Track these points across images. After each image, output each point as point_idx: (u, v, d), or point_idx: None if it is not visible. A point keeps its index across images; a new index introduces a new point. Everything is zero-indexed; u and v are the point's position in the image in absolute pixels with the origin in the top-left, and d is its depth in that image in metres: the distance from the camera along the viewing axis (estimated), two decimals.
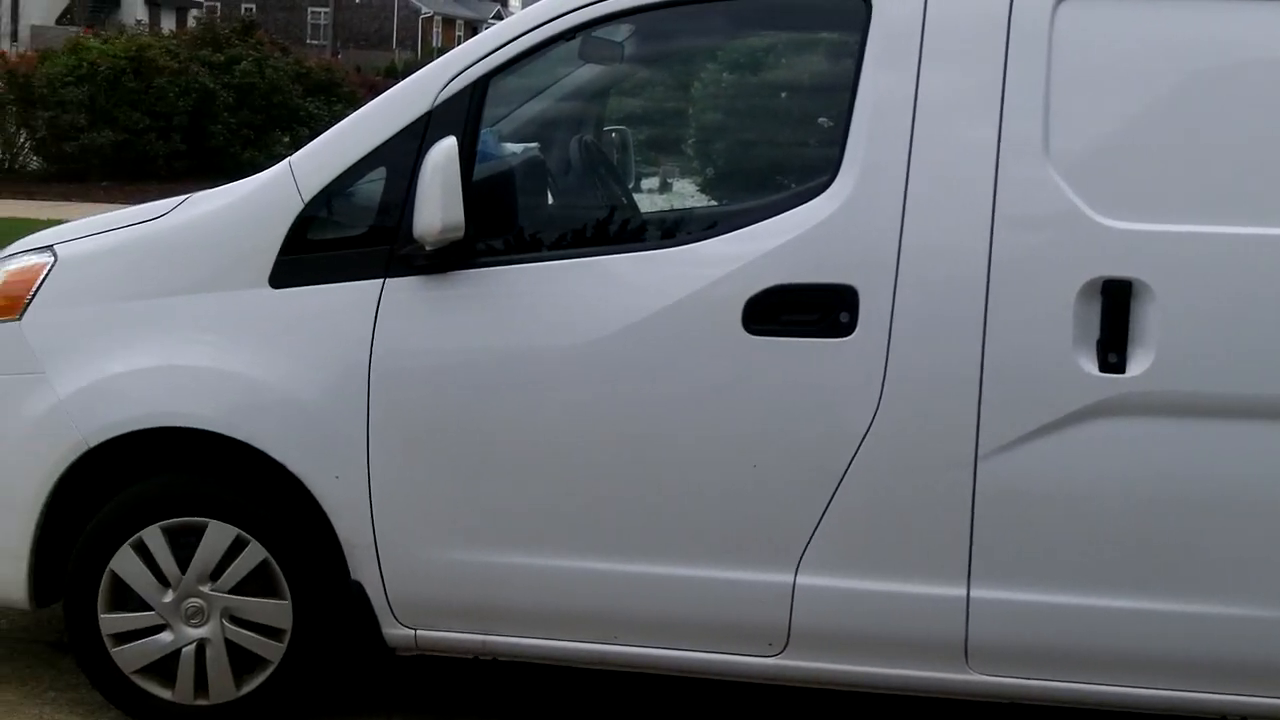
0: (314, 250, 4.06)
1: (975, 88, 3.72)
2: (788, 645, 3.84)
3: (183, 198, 4.38)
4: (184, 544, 4.12)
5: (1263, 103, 3.66)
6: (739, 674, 3.97)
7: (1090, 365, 3.62)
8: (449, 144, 3.78)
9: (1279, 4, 3.68)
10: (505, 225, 3.99)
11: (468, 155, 3.89)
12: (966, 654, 3.77)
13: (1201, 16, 3.70)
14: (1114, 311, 3.61)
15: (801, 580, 3.80)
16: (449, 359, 3.94)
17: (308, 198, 4.01)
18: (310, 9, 70.90)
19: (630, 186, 5.06)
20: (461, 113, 3.94)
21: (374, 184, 4.05)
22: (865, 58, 3.79)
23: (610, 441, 3.87)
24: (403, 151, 3.95)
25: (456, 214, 3.77)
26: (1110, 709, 3.87)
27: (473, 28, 68.99)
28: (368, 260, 3.98)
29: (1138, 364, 3.61)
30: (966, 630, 3.75)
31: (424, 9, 72.04)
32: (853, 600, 3.79)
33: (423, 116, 3.96)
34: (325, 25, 71.01)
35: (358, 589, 4.03)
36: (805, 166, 4.18)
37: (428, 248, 3.85)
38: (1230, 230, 3.61)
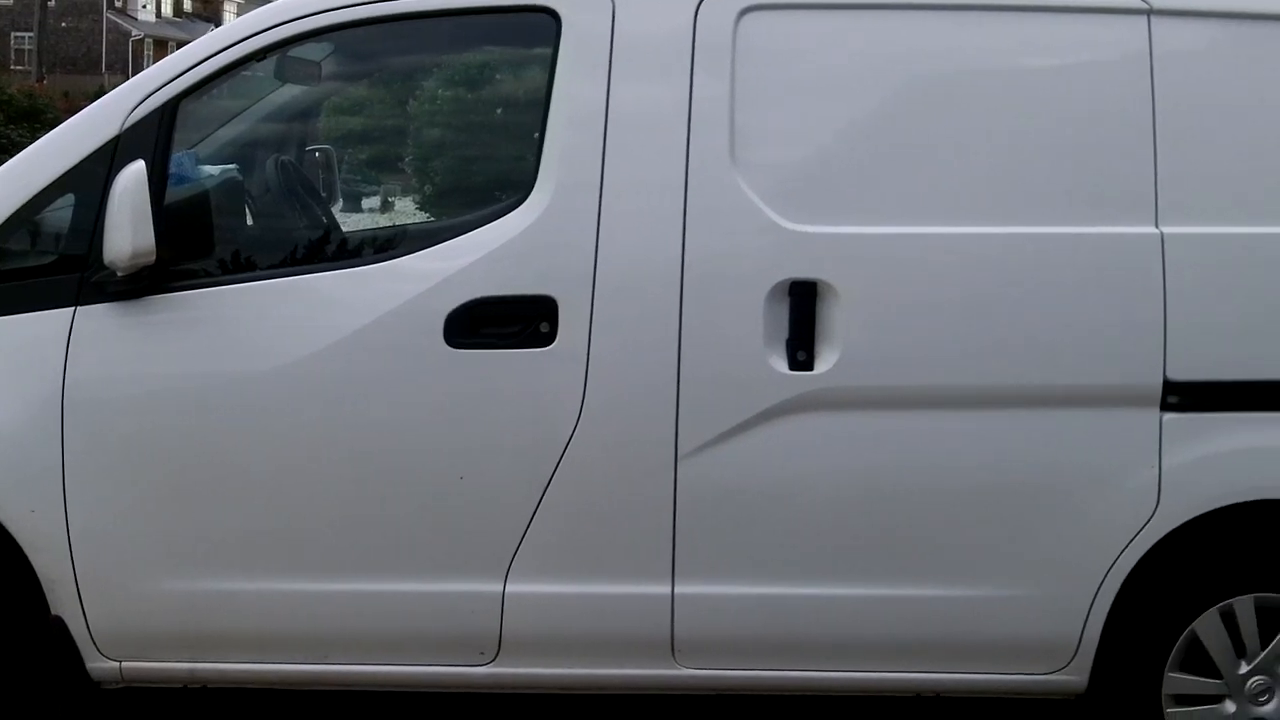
0: (3, 280, 3.94)
1: (664, 99, 3.83)
2: (499, 653, 3.89)
3: None
4: None
5: (938, 109, 3.87)
6: (452, 684, 4.01)
7: (781, 364, 3.77)
8: (138, 167, 3.72)
9: (955, 13, 3.90)
10: (201, 248, 3.94)
11: (159, 178, 3.83)
12: (673, 649, 3.87)
13: (880, 26, 3.89)
14: (801, 311, 3.77)
15: (511, 588, 3.85)
16: (147, 386, 3.87)
17: None
18: (13, 34, 68.04)
19: (333, 206, 5.05)
20: (151, 135, 3.88)
21: (63, 211, 3.95)
22: (557, 71, 3.87)
23: (316, 461, 3.85)
24: (91, 176, 3.87)
25: (147, 238, 3.71)
26: (815, 693, 4.03)
27: None
28: (58, 289, 3.88)
29: (825, 361, 3.77)
30: (672, 626, 3.85)
31: (134, 31, 69.88)
32: (561, 604, 3.87)
33: (111, 140, 3.88)
34: (30, 50, 68.25)
35: (58, 624, 3.92)
36: (503, 181, 4.25)
37: (119, 273, 3.77)
38: (907, 230, 3.81)
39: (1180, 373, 3.79)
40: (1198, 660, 3.93)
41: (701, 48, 3.83)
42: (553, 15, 3.87)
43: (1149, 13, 3.88)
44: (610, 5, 3.86)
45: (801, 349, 3.77)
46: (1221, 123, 3.88)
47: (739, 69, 3.82)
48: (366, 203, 5.97)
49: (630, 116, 3.83)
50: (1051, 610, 3.86)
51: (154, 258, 3.75)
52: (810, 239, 3.78)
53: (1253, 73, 3.91)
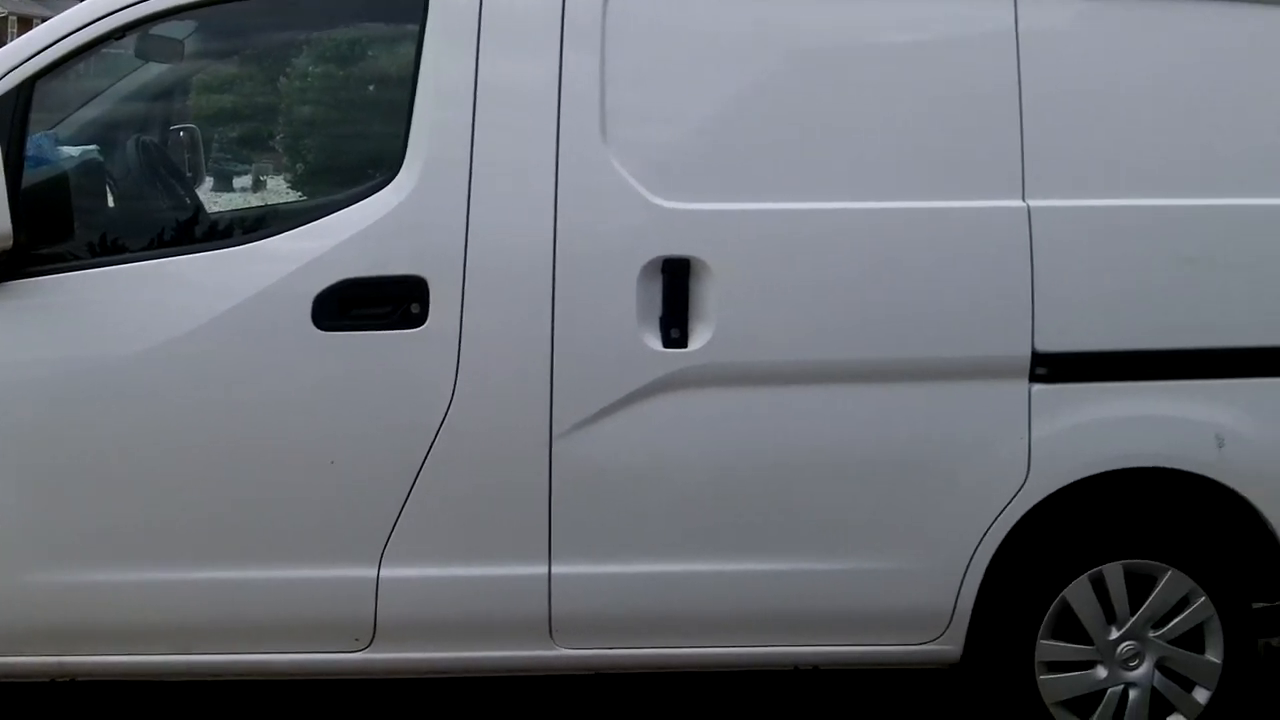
0: None
1: (534, 76, 3.78)
2: (375, 638, 3.84)
3: None
4: None
5: (807, 86, 3.87)
6: (326, 672, 3.95)
7: (655, 342, 3.76)
8: None
9: None
10: (61, 232, 3.82)
11: (15, 161, 3.71)
12: (551, 630, 3.86)
13: (750, 3, 3.88)
14: (674, 289, 3.76)
15: (385, 573, 3.80)
16: (9, 374, 3.75)
17: None
18: None
19: (199, 186, 4.94)
20: (7, 117, 3.75)
21: None
22: (424, 48, 3.81)
23: (181, 448, 3.77)
24: None
25: (3, 222, 3.60)
26: (694, 670, 4.04)
27: None
28: None
29: (698, 338, 3.76)
30: (550, 607, 3.83)
31: None
32: (437, 588, 3.83)
33: None
34: None
35: None
36: (372, 159, 4.17)
37: None
38: (778, 206, 3.81)
39: (1048, 344, 3.84)
40: (1069, 627, 4.00)
41: (571, 24, 3.79)
42: None
43: None
44: None
45: (675, 326, 3.76)
46: (1086, 97, 3.92)
47: (609, 46, 3.79)
48: (238, 182, 5.86)
49: (500, 93, 3.78)
50: (925, 581, 3.90)
51: (11, 243, 3.64)
52: (682, 216, 3.77)
53: (1116, 48, 3.96)
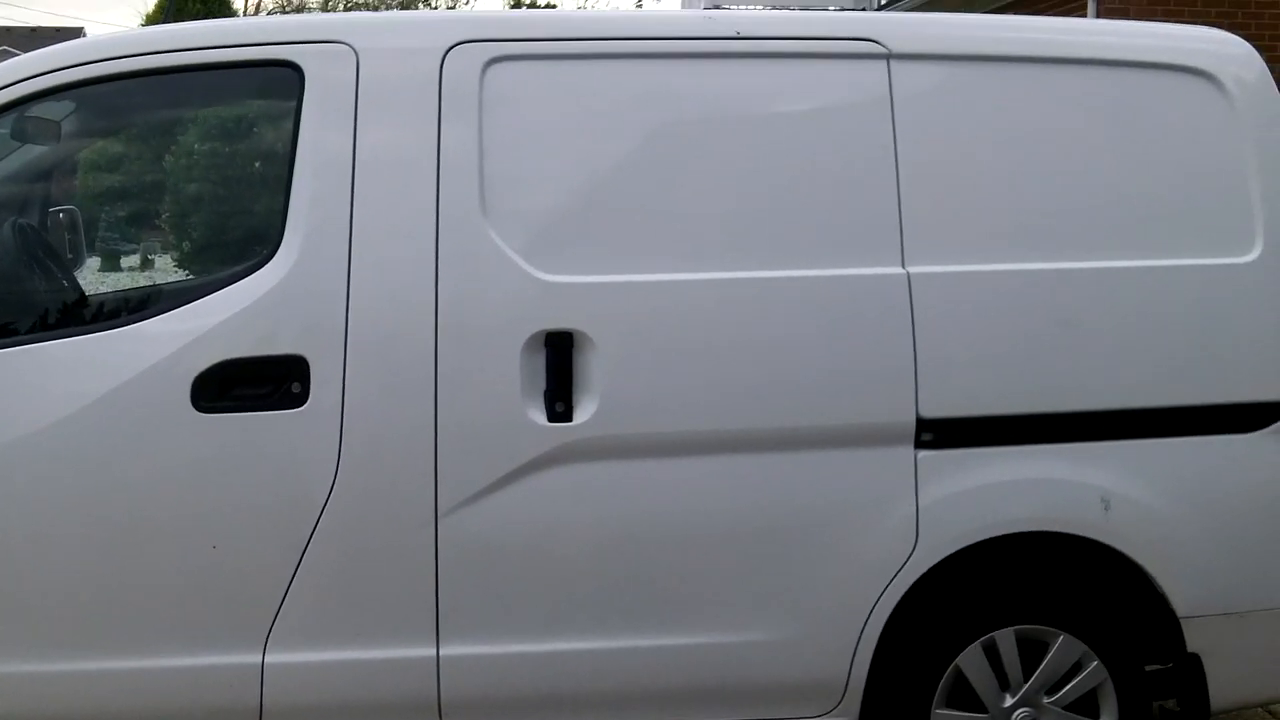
0: None
1: (412, 150, 3.77)
2: None
3: None
4: None
5: (685, 156, 3.89)
6: None
7: (539, 416, 3.73)
8: None
9: (698, 60, 3.93)
10: None
11: None
12: (441, 712, 3.79)
13: (625, 75, 3.90)
14: (558, 362, 3.74)
15: (270, 658, 3.72)
16: None
17: None
18: None
19: (79, 268, 4.86)
20: None
21: None
22: (302, 124, 3.78)
23: (61, 533, 3.68)
24: None
25: None
26: None
27: None
28: None
29: (584, 411, 3.74)
30: (439, 688, 3.76)
31: None
32: (324, 672, 3.74)
33: None
34: None
35: None
36: (253, 237, 4.13)
37: None
38: (659, 278, 3.80)
39: (932, 410, 3.85)
40: (963, 694, 3.98)
41: (449, 97, 3.79)
42: (295, 68, 3.80)
43: (888, 57, 3.96)
44: (354, 55, 3.80)
45: (560, 400, 3.74)
46: (962, 162, 3.97)
47: (487, 118, 3.79)
48: (126, 261, 5.78)
49: (378, 169, 3.76)
50: (818, 652, 3.88)
51: None
52: (563, 289, 3.75)
53: (990, 112, 4.01)
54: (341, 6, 36.04)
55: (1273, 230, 4.08)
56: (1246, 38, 4.34)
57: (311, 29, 3.90)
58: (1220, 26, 4.66)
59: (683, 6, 4.91)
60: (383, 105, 3.79)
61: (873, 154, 3.91)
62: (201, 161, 4.50)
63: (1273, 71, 4.30)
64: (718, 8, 4.28)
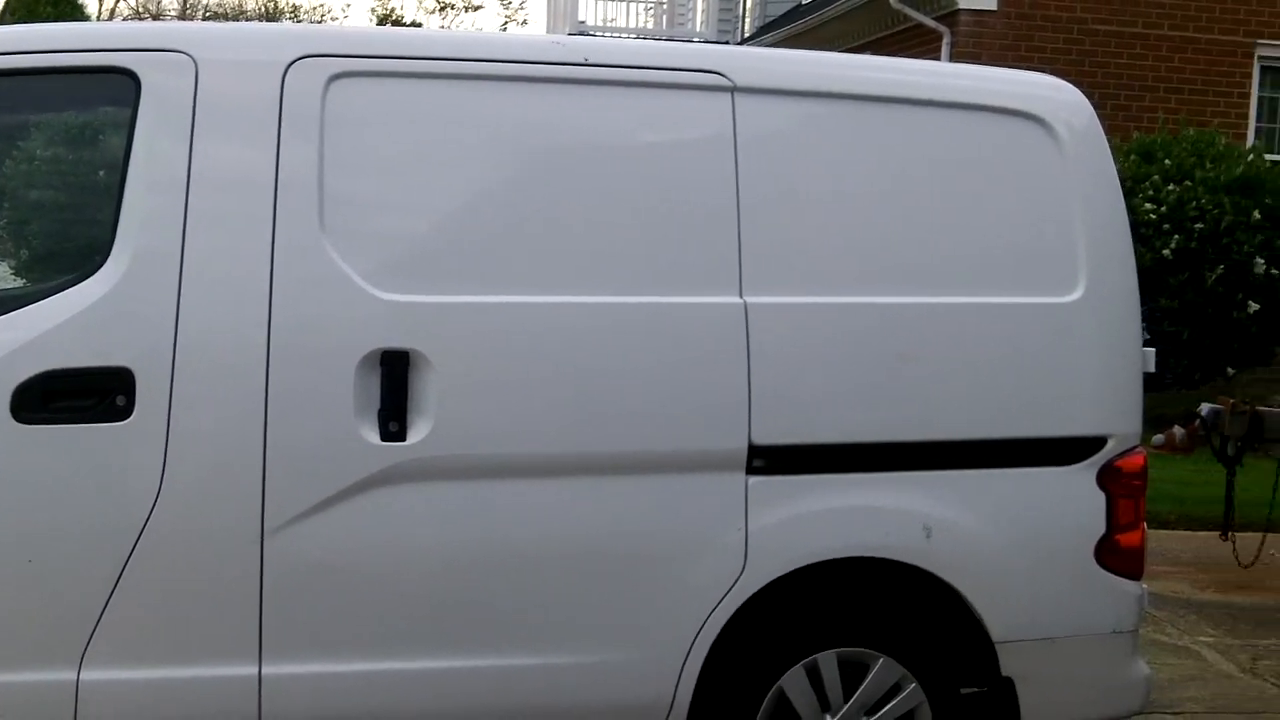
0: None
1: (250, 164, 3.74)
2: None
3: None
4: None
5: (529, 179, 3.91)
6: None
7: (372, 435, 3.71)
8: None
9: (546, 85, 3.95)
10: None
11: None
12: None
13: (470, 96, 3.91)
14: (393, 381, 3.72)
15: (86, 676, 3.64)
16: None
17: None
18: None
19: None
20: None
21: None
22: (136, 134, 3.73)
23: None
24: None
25: None
26: None
27: None
28: None
29: (417, 431, 3.73)
30: (260, 708, 3.72)
31: None
32: (141, 691, 3.68)
33: None
34: None
35: None
36: (82, 248, 4.01)
37: None
38: (498, 299, 3.82)
39: (764, 437, 3.92)
40: (786, 716, 4.05)
41: (290, 112, 3.76)
42: (131, 76, 3.75)
43: (733, 90, 4.02)
44: (193, 67, 3.75)
45: (393, 420, 3.73)
46: (802, 196, 4.05)
47: (328, 135, 3.77)
48: None
49: (214, 181, 3.72)
50: (645, 673, 3.91)
51: None
52: (401, 308, 3.75)
53: (831, 148, 4.10)
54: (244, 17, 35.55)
55: (1094, 271, 4.22)
56: (1093, 87, 4.50)
57: (150, 37, 3.86)
58: (1068, 75, 4.82)
59: (548, 30, 4.94)
60: (221, 118, 3.75)
61: (715, 184, 3.97)
62: (34, 168, 4.39)
63: (1123, 119, 4.46)
64: (582, 34, 4.31)
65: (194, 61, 3.76)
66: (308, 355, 3.71)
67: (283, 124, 3.76)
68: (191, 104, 3.74)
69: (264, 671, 3.72)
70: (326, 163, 3.76)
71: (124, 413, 3.62)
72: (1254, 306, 12.79)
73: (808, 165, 4.09)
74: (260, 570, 3.69)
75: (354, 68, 3.84)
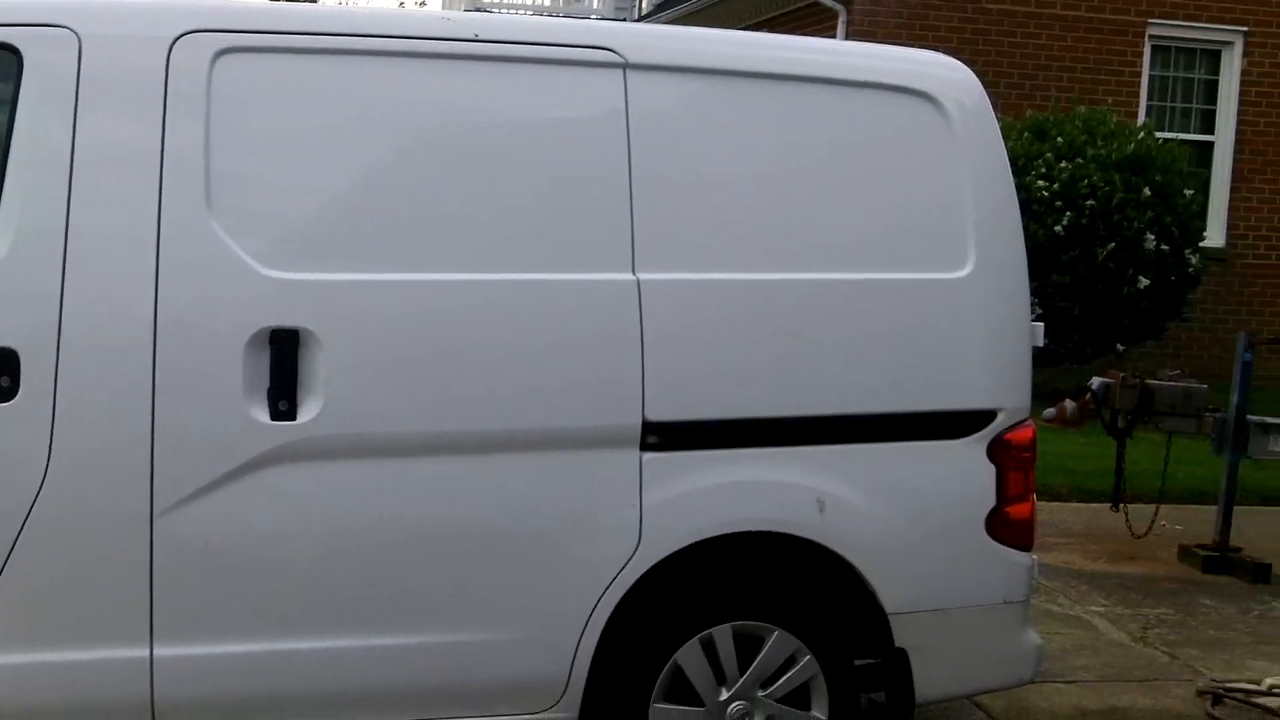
0: None
1: (135, 142, 3.68)
2: None
3: None
4: None
5: (418, 156, 3.88)
6: None
7: (262, 414, 3.68)
8: None
9: (434, 61, 3.93)
10: None
11: None
12: (154, 714, 3.70)
13: (359, 72, 3.87)
14: (282, 360, 3.69)
15: None
16: None
17: None
18: None
19: None
20: None
21: None
22: (18, 111, 3.66)
23: None
24: None
25: None
26: None
27: None
28: None
29: (308, 410, 3.71)
30: (152, 691, 3.68)
31: None
32: (30, 673, 3.62)
33: None
34: None
35: None
36: None
37: None
38: (387, 278, 3.79)
39: (658, 413, 3.93)
40: (682, 690, 4.07)
41: (175, 89, 3.71)
42: (13, 51, 3.67)
43: (625, 66, 4.02)
44: (76, 42, 3.68)
45: (283, 399, 3.70)
46: (694, 173, 4.06)
47: (215, 111, 3.72)
48: None
49: (98, 159, 3.66)
50: (539, 651, 3.92)
51: None
52: (290, 286, 3.71)
53: (723, 125, 4.11)
54: None
55: (984, 247, 4.28)
56: (987, 66, 4.55)
57: (32, 11, 3.77)
58: (963, 54, 4.87)
59: (444, 7, 4.89)
60: (105, 94, 3.69)
61: (607, 162, 3.97)
62: None
63: (1016, 97, 4.52)
64: (479, 9, 4.29)
65: (77, 36, 3.69)
66: (195, 334, 3.66)
67: (168, 100, 3.70)
68: (75, 80, 3.67)
69: (155, 653, 3.68)
70: (213, 140, 3.71)
71: (8, 394, 3.56)
72: (1144, 282, 13.04)
73: (701, 142, 4.10)
74: (150, 551, 3.65)
75: (240, 43, 3.79)
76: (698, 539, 4.01)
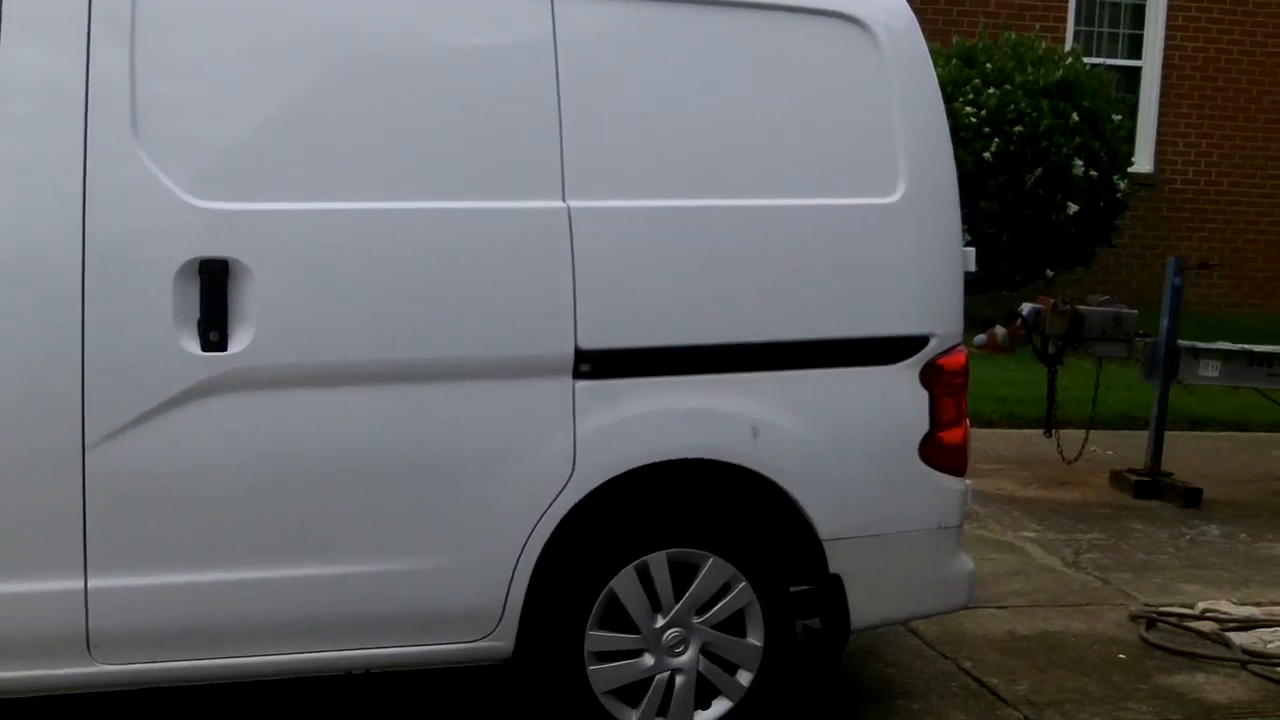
0: None
1: (58, 67, 3.60)
2: None
3: None
4: None
5: (349, 84, 3.82)
6: None
7: (193, 345, 3.64)
8: None
9: None
10: None
11: None
12: (89, 646, 3.68)
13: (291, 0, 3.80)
14: (212, 291, 3.65)
15: None
16: None
17: None
18: None
19: None
20: None
21: None
22: None
23: None
24: None
25: None
26: (246, 680, 3.94)
27: None
28: None
29: (239, 341, 3.67)
30: (87, 622, 3.66)
31: None
32: None
33: None
34: None
35: None
36: None
37: None
38: (319, 206, 3.75)
39: (591, 341, 3.93)
40: (617, 617, 4.10)
41: (99, 14, 3.62)
42: None
43: None
44: None
45: (214, 329, 3.66)
46: (624, 99, 4.03)
47: (141, 37, 3.64)
48: None
49: (20, 85, 3.58)
50: (474, 579, 3.93)
51: None
52: (220, 216, 3.67)
53: (652, 51, 4.08)
54: None
55: (914, 173, 4.29)
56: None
57: None
58: None
59: None
60: (27, 20, 3.60)
61: (536, 88, 3.93)
62: None
63: (944, 24, 4.50)
64: None
65: None
66: (124, 265, 3.61)
67: (92, 25, 3.62)
68: None
69: (90, 585, 3.65)
70: (138, 66, 3.64)
71: None
72: (1073, 208, 13.15)
73: (630, 68, 4.07)
74: (83, 484, 3.61)
75: None
76: (632, 467, 4.03)
